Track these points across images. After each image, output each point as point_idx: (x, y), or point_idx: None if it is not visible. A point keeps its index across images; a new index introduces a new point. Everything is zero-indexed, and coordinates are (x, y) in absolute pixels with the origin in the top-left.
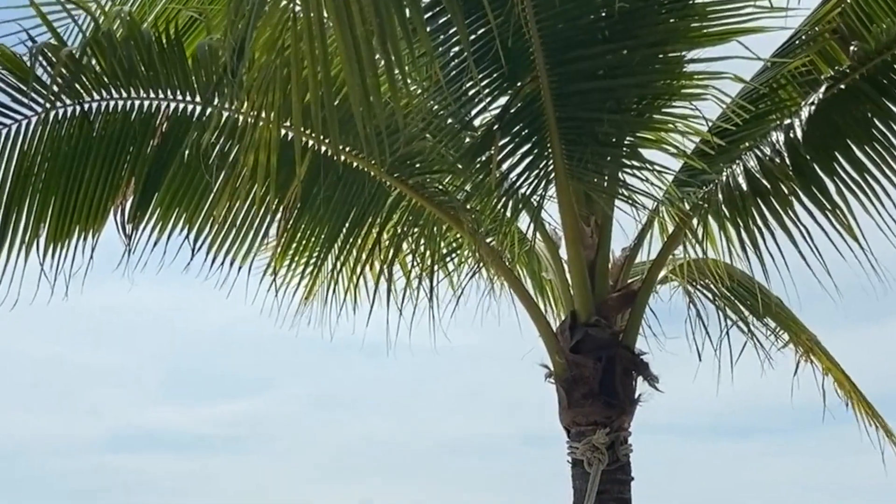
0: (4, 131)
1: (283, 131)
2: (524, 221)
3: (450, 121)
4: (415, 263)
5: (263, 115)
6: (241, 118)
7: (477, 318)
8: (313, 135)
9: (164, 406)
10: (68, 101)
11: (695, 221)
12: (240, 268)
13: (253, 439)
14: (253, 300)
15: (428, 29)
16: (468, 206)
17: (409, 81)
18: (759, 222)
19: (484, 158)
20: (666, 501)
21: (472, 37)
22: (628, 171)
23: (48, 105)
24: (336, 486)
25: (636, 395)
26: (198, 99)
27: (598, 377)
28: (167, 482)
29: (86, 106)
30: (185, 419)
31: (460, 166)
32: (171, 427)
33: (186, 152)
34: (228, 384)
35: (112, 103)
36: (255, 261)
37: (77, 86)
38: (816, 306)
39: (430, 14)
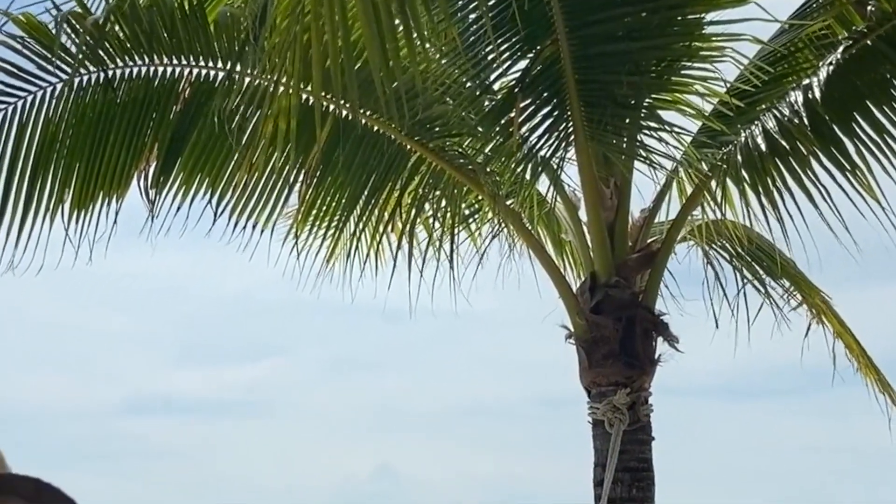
0: (30, 98)
1: (303, 96)
2: (544, 184)
3: (469, 85)
4: (435, 226)
5: (285, 80)
6: (262, 83)
7: (497, 282)
8: (334, 99)
9: (182, 371)
10: (92, 69)
11: (713, 183)
12: (262, 231)
13: (270, 403)
14: (275, 263)
15: None
16: (488, 169)
17: (428, 46)
18: (778, 183)
19: (504, 122)
20: (683, 462)
21: (491, 1)
22: (647, 132)
23: (73, 72)
24: (354, 449)
25: (656, 356)
26: (220, 65)
27: (618, 338)
28: (184, 446)
29: (109, 73)
30: (202, 384)
31: (481, 129)
32: (189, 392)
33: (209, 118)
34: (246, 349)
35: (135, 70)
36: (277, 225)
37: (101, 53)
38: (832, 266)
39: None
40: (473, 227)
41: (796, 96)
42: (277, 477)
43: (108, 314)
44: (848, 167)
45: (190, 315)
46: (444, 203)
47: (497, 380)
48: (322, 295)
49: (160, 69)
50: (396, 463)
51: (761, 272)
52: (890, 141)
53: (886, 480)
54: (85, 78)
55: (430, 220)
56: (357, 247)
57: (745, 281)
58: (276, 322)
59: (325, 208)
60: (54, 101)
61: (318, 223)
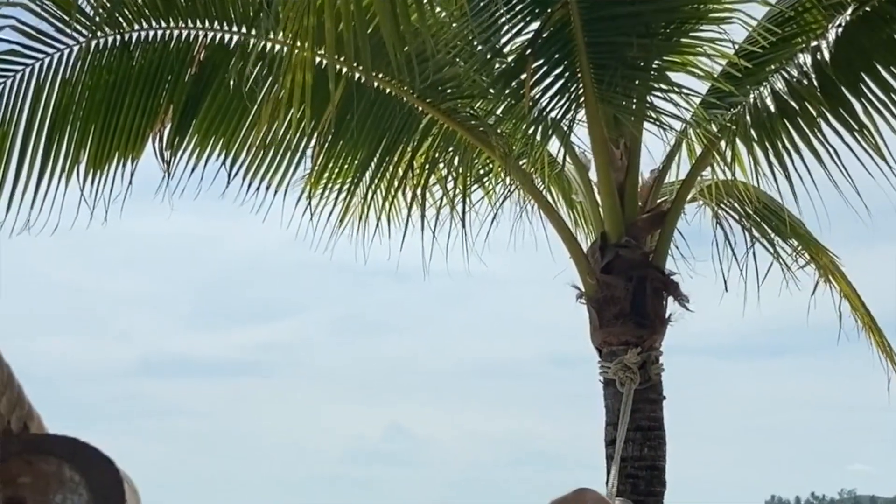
0: (47, 60)
1: (317, 59)
2: (554, 145)
3: (480, 47)
4: (448, 186)
5: (298, 43)
6: (276, 46)
7: (508, 243)
8: (347, 62)
9: (196, 332)
10: (109, 32)
11: (723, 143)
12: (275, 192)
13: (283, 364)
14: (288, 226)
15: None
16: (499, 130)
17: (438, 10)
18: (787, 143)
19: (515, 84)
20: (694, 421)
21: None
22: (656, 93)
23: (90, 35)
24: (365, 408)
25: (667, 315)
26: (235, 28)
27: (629, 297)
28: (197, 406)
29: (126, 36)
30: (215, 344)
31: (492, 91)
32: (202, 352)
33: (224, 81)
34: (259, 310)
35: (151, 33)
36: (290, 187)
37: (118, 17)
38: (843, 226)
39: None
40: (483, 190)
41: (805, 57)
42: (290, 436)
43: (123, 275)
44: (856, 127)
45: (203, 276)
46: (456, 163)
47: (508, 340)
48: (334, 257)
49: (176, 33)
50: (407, 422)
51: (770, 232)
52: None
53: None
54: (102, 41)
55: (444, 180)
56: (369, 208)
57: (754, 241)
58: (289, 283)
59: (337, 170)
60: (71, 64)
61: (330, 184)
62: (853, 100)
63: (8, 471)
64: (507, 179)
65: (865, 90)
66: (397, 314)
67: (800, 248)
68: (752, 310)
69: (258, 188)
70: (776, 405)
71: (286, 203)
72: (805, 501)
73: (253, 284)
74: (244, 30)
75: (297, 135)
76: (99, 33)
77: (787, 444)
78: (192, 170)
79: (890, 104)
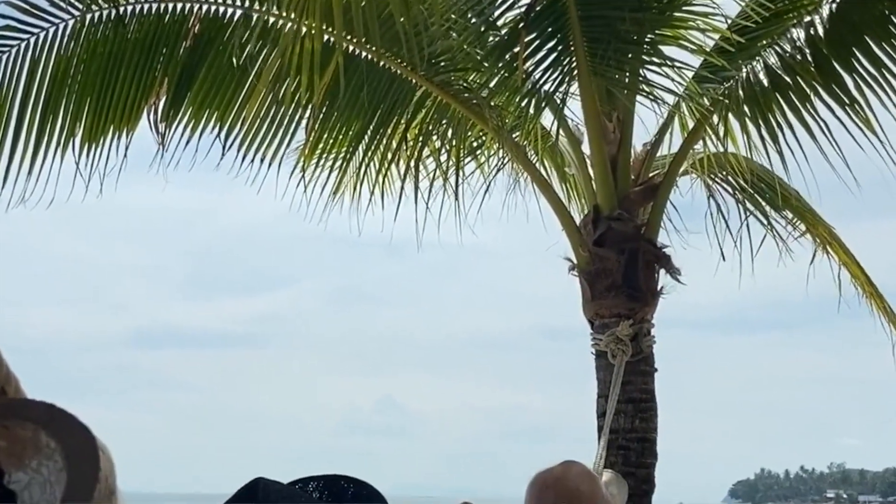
0: (42, 34)
1: (312, 31)
2: (547, 118)
3: (474, 20)
4: (442, 158)
5: (293, 15)
6: (272, 19)
7: (501, 216)
8: (349, 37)
9: (190, 303)
10: (104, 5)
11: (715, 117)
12: (269, 165)
13: (276, 336)
14: (283, 197)
15: None
16: (493, 103)
17: None
18: (779, 117)
19: (508, 57)
20: (687, 395)
21: None
22: (649, 67)
23: (84, 9)
24: (358, 381)
25: (658, 288)
26: (230, 1)
27: (621, 269)
28: (191, 377)
29: (121, 9)
30: (210, 316)
31: (486, 64)
32: (197, 323)
33: (219, 53)
34: (254, 282)
35: (146, 6)
36: (284, 159)
37: None
38: (834, 200)
39: None
40: (476, 163)
41: (798, 32)
42: (284, 407)
43: (118, 247)
44: (847, 102)
45: (198, 248)
46: (449, 135)
47: (501, 313)
48: (327, 229)
49: (170, 5)
50: (400, 395)
51: (764, 204)
52: (889, 76)
53: (887, 410)
54: (97, 14)
55: (438, 152)
56: (363, 180)
57: (748, 213)
58: (283, 255)
59: (332, 142)
60: (66, 37)
61: (324, 156)
62: (845, 75)
63: None
64: (500, 152)
65: (857, 65)
66: (391, 286)
67: (795, 220)
68: (746, 284)
69: (252, 160)
70: (767, 379)
71: (281, 175)
72: (794, 475)
73: (247, 256)
74: (239, 2)
75: (293, 107)
76: (94, 6)
77: (778, 418)
78: (187, 142)
79: (881, 79)
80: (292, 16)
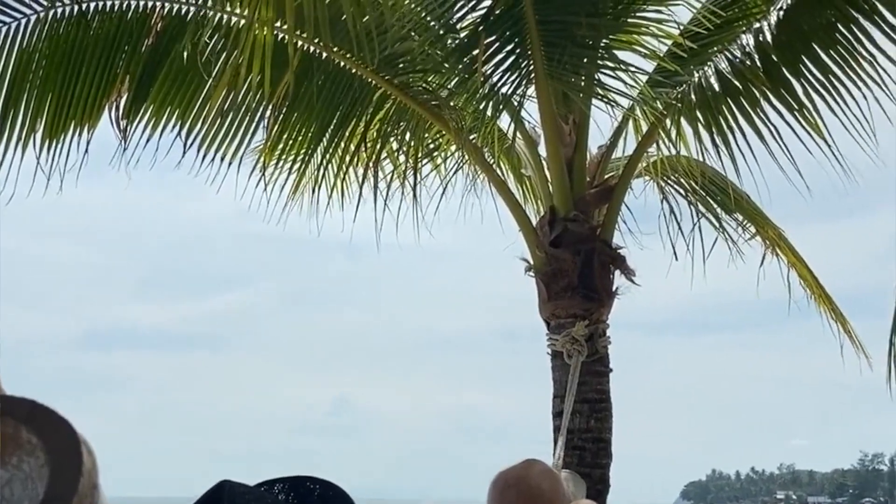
0: (4, 29)
1: (274, 31)
2: (505, 120)
3: (434, 23)
4: (400, 159)
5: (258, 14)
6: (234, 18)
7: (458, 218)
8: (303, 35)
9: (143, 303)
10: (67, 1)
11: (668, 121)
12: (230, 163)
13: (231, 336)
14: (241, 196)
15: None
16: (451, 104)
17: None
18: (731, 121)
19: (467, 59)
20: (639, 395)
21: None
22: (604, 71)
23: (48, 4)
24: (313, 381)
25: (614, 288)
26: None
27: (577, 270)
28: (143, 379)
29: (84, 6)
30: (163, 317)
31: (445, 66)
32: (149, 324)
33: (181, 51)
34: (207, 282)
35: (109, 3)
36: (245, 158)
37: None
38: (783, 204)
39: None
40: (437, 161)
41: (748, 39)
42: (239, 409)
43: (70, 246)
44: (796, 107)
45: (152, 248)
46: (408, 137)
47: (457, 313)
48: (286, 230)
49: (133, 3)
50: (355, 395)
51: (715, 206)
52: (836, 82)
53: (835, 411)
54: (60, 10)
55: (396, 153)
56: (323, 180)
57: (700, 215)
58: (238, 256)
59: (291, 141)
60: (29, 33)
61: (284, 156)
62: (794, 80)
63: None
64: (458, 153)
65: (805, 71)
66: (348, 287)
67: (745, 223)
68: (697, 287)
69: (213, 158)
70: (718, 381)
71: (240, 175)
72: (745, 476)
73: (203, 257)
74: (201, 0)
75: (254, 105)
76: (57, 3)
77: (729, 419)
78: (148, 140)
79: (828, 85)
80: (247, 12)
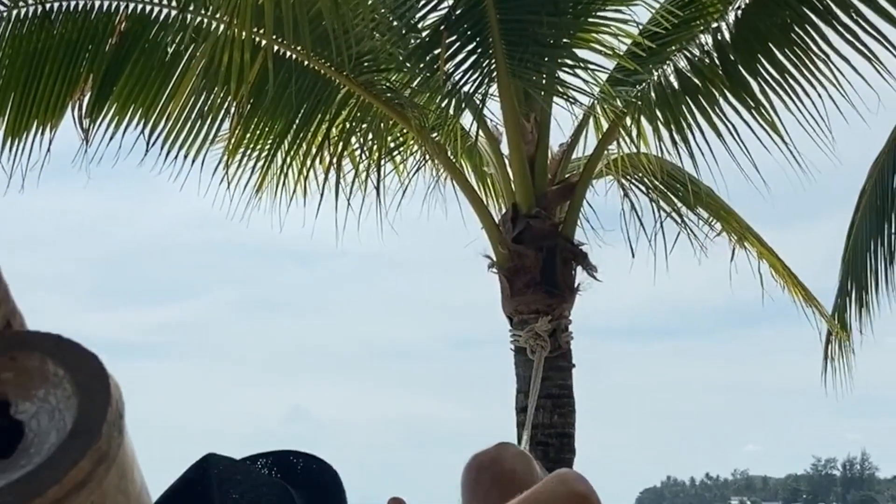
0: None
1: (237, 31)
2: (467, 119)
3: (396, 23)
4: (362, 158)
5: (219, 15)
6: (197, 18)
7: (415, 226)
8: (266, 34)
9: (91, 312)
10: (31, 1)
11: (628, 119)
12: (192, 162)
13: (182, 346)
14: (205, 196)
15: None
16: (414, 102)
17: None
18: (690, 119)
19: (429, 58)
20: (594, 402)
21: None
22: (565, 69)
23: (11, 4)
24: (267, 391)
25: (576, 284)
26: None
27: (539, 266)
28: None
29: (48, 6)
30: (114, 326)
31: (408, 65)
32: (101, 334)
33: (145, 50)
34: (160, 290)
35: (73, 3)
36: (205, 161)
37: None
38: (744, 208)
39: None
40: (398, 160)
41: (706, 38)
42: (191, 419)
43: (19, 254)
44: (753, 105)
45: (104, 256)
46: (370, 136)
47: (413, 321)
48: (239, 238)
49: (97, 3)
50: (310, 405)
51: (677, 202)
52: (791, 81)
53: (788, 417)
54: (23, 10)
55: (357, 153)
56: (284, 182)
57: (662, 212)
58: (192, 264)
59: (254, 142)
60: None
61: (247, 157)
62: (750, 79)
63: None
64: (420, 153)
65: (762, 70)
66: (302, 296)
67: (710, 220)
68: (652, 293)
69: (175, 157)
70: (672, 387)
71: (203, 175)
72: (700, 482)
73: (154, 264)
74: (166, 1)
75: (217, 105)
76: (20, 3)
77: (683, 425)
78: (111, 139)
79: (784, 84)
80: (219, 16)
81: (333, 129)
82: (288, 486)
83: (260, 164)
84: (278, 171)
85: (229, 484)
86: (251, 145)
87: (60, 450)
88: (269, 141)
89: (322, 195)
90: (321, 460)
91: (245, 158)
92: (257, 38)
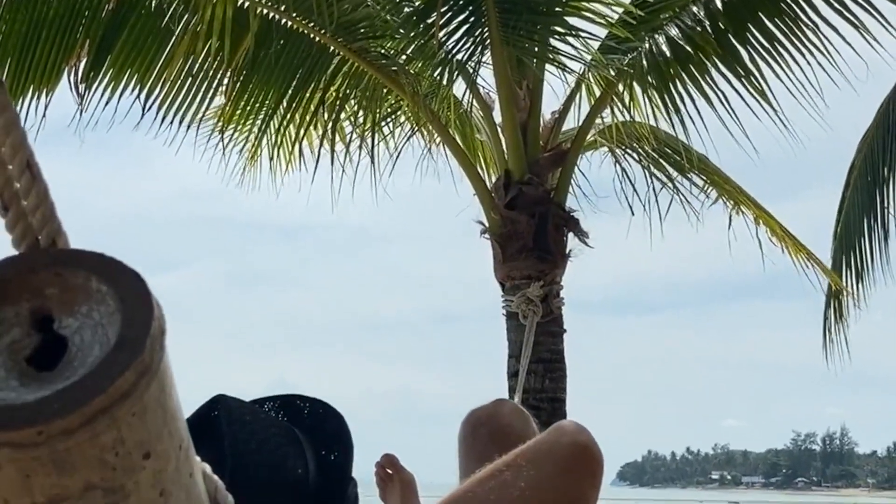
0: None
1: None
2: (460, 86)
3: None
4: (356, 125)
5: None
6: None
7: (402, 199)
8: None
9: None
10: None
11: (620, 86)
12: (188, 127)
13: (168, 316)
14: (201, 160)
15: None
16: (408, 69)
17: None
18: (680, 87)
19: (423, 27)
20: (576, 375)
21: None
22: (558, 37)
23: None
24: (250, 363)
25: (567, 251)
26: None
27: (531, 232)
28: None
29: None
30: None
31: (402, 31)
32: None
33: (142, 15)
34: (143, 263)
35: None
36: (201, 126)
37: None
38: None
39: None
40: (392, 126)
41: (696, 7)
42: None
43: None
44: (743, 73)
45: (86, 229)
46: (365, 104)
47: (397, 295)
48: (226, 212)
49: None
50: (293, 377)
51: (670, 169)
52: (780, 49)
53: (769, 392)
54: None
55: (352, 120)
56: (278, 151)
57: (655, 179)
58: (174, 238)
59: (249, 105)
60: None
61: (241, 123)
62: (741, 48)
63: (35, 283)
64: (413, 121)
65: (752, 39)
66: (289, 269)
67: (706, 187)
68: (634, 267)
69: (171, 123)
70: (654, 361)
71: (194, 147)
72: (681, 456)
73: (143, 236)
74: None
75: (213, 70)
76: None
77: (665, 400)
78: (107, 103)
79: (774, 52)
80: None
81: (328, 96)
82: (295, 428)
83: (255, 130)
84: (273, 138)
85: (239, 424)
86: (247, 108)
87: (105, 361)
88: (265, 107)
89: (317, 165)
90: (327, 404)
91: (240, 126)
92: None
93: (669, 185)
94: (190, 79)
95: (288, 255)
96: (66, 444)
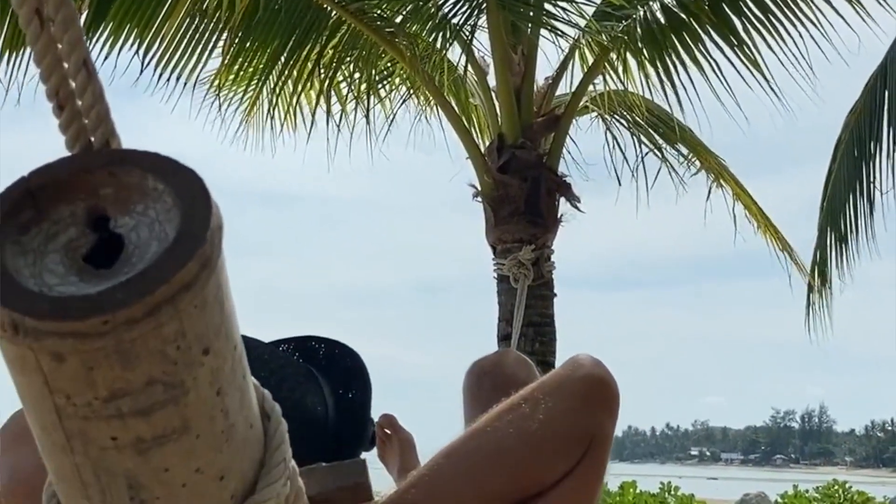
0: None
1: None
2: (455, 50)
3: None
4: (351, 87)
5: None
6: None
7: (391, 170)
8: None
9: None
10: None
11: (614, 54)
12: (185, 84)
13: None
14: (193, 122)
15: None
16: (405, 31)
17: None
18: (674, 56)
19: None
20: (566, 347)
21: None
22: (553, 2)
23: None
24: None
25: (559, 215)
26: None
27: (523, 196)
28: None
29: None
30: None
31: None
32: None
33: None
34: None
35: None
36: (197, 86)
37: None
38: (727, 156)
39: None
40: (388, 89)
41: None
42: None
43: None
44: (736, 42)
45: None
46: (360, 64)
47: (377, 266)
48: (211, 180)
49: None
50: None
51: (658, 138)
52: (773, 20)
53: (749, 369)
54: None
55: (348, 81)
56: (274, 110)
57: (643, 146)
58: None
59: (246, 61)
60: None
61: (238, 81)
62: (734, 17)
63: (90, 183)
64: (407, 83)
65: (745, 9)
66: (272, 237)
67: (690, 157)
68: (619, 243)
69: (168, 79)
70: (635, 337)
71: (189, 107)
72: (661, 432)
73: None
74: None
75: (212, 26)
76: None
77: (645, 376)
78: (105, 59)
79: (767, 23)
80: None
81: (324, 55)
82: (311, 367)
83: (251, 89)
84: (269, 97)
85: (257, 363)
86: (245, 64)
87: (167, 253)
88: (261, 66)
89: (310, 129)
90: (342, 344)
91: (235, 87)
92: None
93: (657, 152)
94: (188, 36)
95: (275, 226)
96: (130, 335)
